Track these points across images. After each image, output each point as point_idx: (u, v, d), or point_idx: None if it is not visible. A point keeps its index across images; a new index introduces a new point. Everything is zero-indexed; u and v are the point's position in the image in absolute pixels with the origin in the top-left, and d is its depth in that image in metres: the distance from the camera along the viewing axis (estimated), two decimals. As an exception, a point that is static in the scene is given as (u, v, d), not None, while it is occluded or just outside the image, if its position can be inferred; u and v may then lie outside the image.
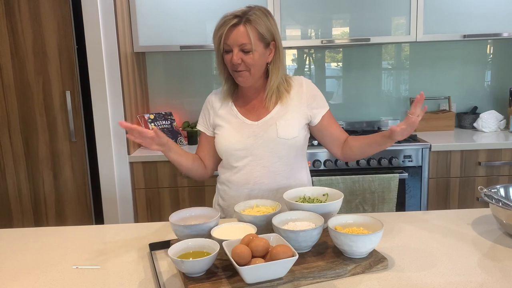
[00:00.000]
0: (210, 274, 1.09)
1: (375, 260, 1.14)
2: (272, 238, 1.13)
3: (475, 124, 3.01)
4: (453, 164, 2.69)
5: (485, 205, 2.67)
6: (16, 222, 2.73)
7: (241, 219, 1.29)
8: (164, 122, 2.89)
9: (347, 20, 2.80)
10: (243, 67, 1.48)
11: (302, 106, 1.58)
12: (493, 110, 3.00)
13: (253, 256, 1.05)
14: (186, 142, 2.91)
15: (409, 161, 2.67)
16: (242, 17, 1.44)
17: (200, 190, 2.69)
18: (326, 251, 1.20)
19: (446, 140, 2.74)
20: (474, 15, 2.76)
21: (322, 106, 1.61)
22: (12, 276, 1.19)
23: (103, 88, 2.53)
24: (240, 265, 1.01)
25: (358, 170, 2.65)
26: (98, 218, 2.75)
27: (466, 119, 3.09)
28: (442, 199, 2.72)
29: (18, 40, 2.54)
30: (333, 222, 1.20)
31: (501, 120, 2.97)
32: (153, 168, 2.67)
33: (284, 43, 2.76)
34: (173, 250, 1.11)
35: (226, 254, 1.09)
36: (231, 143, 1.55)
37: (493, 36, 2.81)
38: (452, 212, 1.53)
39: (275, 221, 1.22)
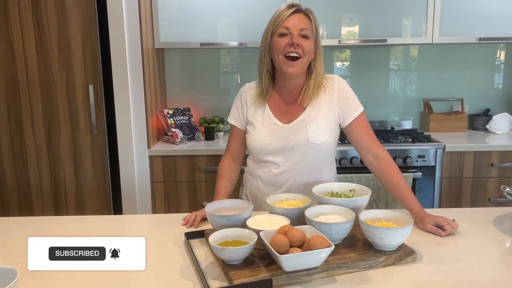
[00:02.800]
0: (248, 262, 1.15)
1: (404, 253, 1.20)
2: (306, 230, 1.19)
3: (487, 126, 3.06)
4: (466, 164, 2.74)
5: (498, 205, 2.73)
6: (37, 212, 2.79)
7: (273, 212, 1.34)
8: (182, 117, 2.94)
9: (363, 20, 2.84)
10: (300, 51, 1.49)
11: (333, 108, 1.60)
12: (506, 113, 3.05)
13: (290, 246, 1.11)
14: (204, 138, 2.96)
15: (423, 160, 2.72)
16: (302, 9, 1.53)
17: (217, 185, 2.75)
18: (356, 244, 1.25)
19: (459, 141, 2.79)
20: (489, 18, 2.80)
21: (353, 109, 1.60)
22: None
23: (126, 83, 2.58)
24: (279, 253, 1.07)
25: (362, 168, 2.70)
26: (116, 210, 2.81)
27: (478, 121, 3.14)
28: (454, 199, 2.77)
29: (44, 34, 2.59)
30: (363, 216, 1.26)
31: (514, 123, 3.02)
32: (171, 162, 2.73)
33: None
34: (212, 238, 1.16)
35: (261, 244, 1.15)
36: (263, 144, 1.60)
37: (506, 40, 2.85)
38: (473, 210, 1.59)
39: (308, 214, 1.28)
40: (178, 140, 2.81)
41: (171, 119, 2.89)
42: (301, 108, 1.61)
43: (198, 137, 2.92)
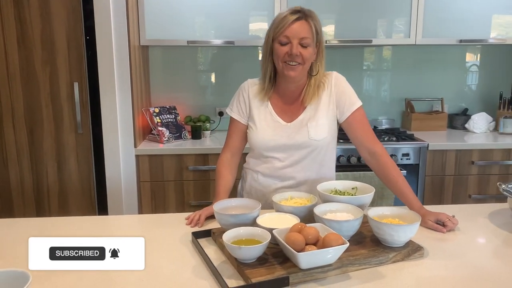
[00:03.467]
0: (261, 260, 1.15)
1: (412, 249, 1.23)
2: (318, 228, 1.20)
3: (466, 125, 3.16)
4: (448, 162, 2.82)
5: (478, 201, 2.83)
6: (17, 213, 2.70)
7: (280, 210, 1.35)
8: (168, 116, 2.91)
9: (349, 21, 2.88)
10: (299, 60, 1.51)
11: (331, 104, 1.62)
12: (484, 112, 3.16)
13: (305, 244, 1.12)
14: (190, 137, 2.93)
15: (407, 159, 2.79)
16: (303, 13, 1.51)
17: (205, 184, 2.73)
18: (364, 240, 1.28)
19: (440, 140, 2.87)
20: (468, 21, 2.89)
21: (350, 104, 1.61)
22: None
23: (112, 80, 2.53)
24: (296, 251, 1.07)
25: (359, 166, 2.74)
26: (101, 210, 2.75)
27: (457, 120, 3.24)
28: (436, 196, 2.85)
29: (26, 29, 2.51)
30: (371, 213, 1.28)
31: (491, 122, 3.13)
32: (158, 161, 2.69)
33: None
34: (226, 237, 1.16)
35: (272, 242, 1.15)
36: (265, 141, 1.61)
37: (484, 42, 2.95)
38: (467, 207, 1.64)
39: (317, 212, 1.29)
40: (165, 139, 2.78)
41: (157, 117, 2.85)
42: (302, 107, 1.63)
43: (184, 136, 2.89)
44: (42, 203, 2.70)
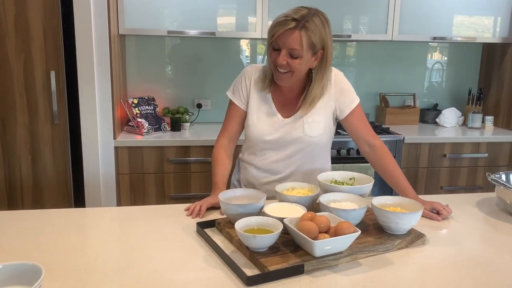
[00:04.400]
0: (273, 249, 1.16)
1: (415, 236, 1.27)
2: (328, 216, 1.22)
3: (437, 120, 3.28)
4: (421, 155, 2.93)
5: (449, 192, 2.96)
6: (-13, 208, 2.57)
7: (285, 200, 1.36)
8: (147, 107, 2.85)
9: (329, 17, 2.91)
10: (286, 69, 1.48)
11: (330, 101, 1.62)
12: (454, 107, 3.29)
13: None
14: (170, 129, 2.89)
15: (384, 152, 2.86)
16: (300, 22, 1.43)
17: (186, 177, 2.70)
18: (368, 229, 1.31)
19: (413, 134, 2.97)
20: (442, 19, 3.01)
21: (349, 101, 1.62)
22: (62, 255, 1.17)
23: (91, 70, 2.45)
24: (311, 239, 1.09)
25: (339, 159, 2.80)
26: (78, 205, 2.67)
27: (429, 115, 3.36)
28: (411, 187, 2.95)
29: (-2, 14, 2.39)
30: (376, 202, 1.31)
31: (460, 117, 3.27)
32: (138, 153, 2.64)
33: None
34: (238, 226, 1.16)
35: (282, 232, 1.16)
36: (261, 134, 1.61)
37: (456, 40, 3.06)
38: (455, 197, 1.71)
39: (323, 201, 1.31)
40: (144, 131, 2.73)
41: (136, 108, 2.79)
42: (296, 103, 1.64)
43: (164, 127, 2.85)
44: (14, 198, 2.59)
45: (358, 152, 2.81)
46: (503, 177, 1.59)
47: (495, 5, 3.05)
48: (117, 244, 1.25)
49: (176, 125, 2.89)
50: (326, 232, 1.15)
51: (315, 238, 1.11)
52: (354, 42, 3.32)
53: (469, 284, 1.06)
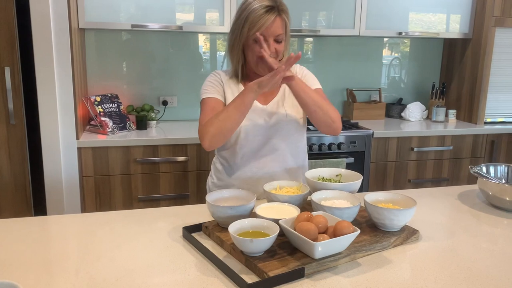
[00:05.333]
0: (270, 252, 1.10)
1: (409, 232, 1.25)
2: (320, 214, 1.17)
3: (402, 114, 3.34)
4: (390, 149, 2.96)
5: (416, 185, 3.01)
6: None
7: (275, 199, 1.30)
8: (111, 105, 2.71)
9: (296, 12, 2.89)
10: (274, 56, 1.50)
11: None
12: (418, 102, 3.36)
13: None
14: (135, 127, 2.76)
15: (353, 146, 2.88)
16: (278, 7, 1.46)
17: (155, 177, 2.59)
18: (361, 226, 1.27)
19: (380, 128, 3.00)
20: (407, 15, 3.05)
21: (312, 83, 1.64)
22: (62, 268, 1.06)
23: (51, 66, 2.29)
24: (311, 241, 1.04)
25: (310, 155, 2.78)
26: (38, 211, 2.50)
27: (394, 109, 3.41)
28: (380, 181, 2.99)
29: None
30: (369, 199, 1.28)
31: (424, 111, 3.34)
32: (103, 154, 2.50)
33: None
34: (232, 230, 1.09)
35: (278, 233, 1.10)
36: (243, 124, 1.55)
37: (420, 35, 3.12)
38: (436, 190, 1.72)
39: (316, 199, 1.26)
40: (108, 130, 2.59)
41: (99, 106, 2.64)
42: (275, 90, 1.62)
43: (129, 126, 2.72)
44: (-34, 204, 2.39)
45: (330, 147, 2.80)
46: (484, 169, 1.61)
47: (457, 2, 3.12)
48: (95, 255, 1.15)
49: (141, 124, 2.76)
50: (324, 232, 1.10)
51: (315, 239, 1.06)
52: (321, 38, 3.30)
53: (473, 278, 1.04)
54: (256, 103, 1.58)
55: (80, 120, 2.53)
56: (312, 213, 1.17)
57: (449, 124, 3.19)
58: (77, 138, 2.44)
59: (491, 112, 3.27)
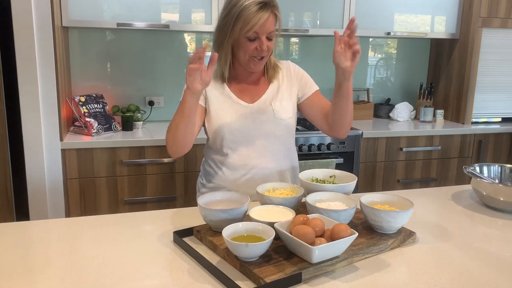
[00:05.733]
0: (265, 257, 1.06)
1: (406, 234, 1.22)
2: (316, 217, 1.14)
3: (390, 114, 3.33)
4: (379, 149, 2.95)
5: (406, 185, 3.01)
6: None
7: (269, 202, 1.27)
8: (96, 105, 2.64)
9: (286, 12, 2.86)
10: (265, 54, 1.47)
11: (292, 87, 1.62)
12: (406, 102, 3.36)
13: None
14: (121, 128, 2.70)
15: (343, 147, 2.86)
16: (268, 3, 1.41)
17: (141, 179, 2.53)
18: (357, 229, 1.24)
19: (368, 128, 2.98)
20: (395, 15, 3.05)
21: (311, 83, 1.64)
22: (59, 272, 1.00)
23: (33, 66, 2.22)
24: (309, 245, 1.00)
25: (299, 155, 2.74)
26: (20, 215, 2.42)
27: (382, 109, 3.40)
28: (369, 181, 2.97)
29: None
30: (365, 200, 1.25)
31: (412, 111, 3.34)
32: (88, 155, 2.43)
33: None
34: (225, 234, 1.05)
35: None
36: (228, 123, 1.51)
37: (407, 35, 3.11)
38: (428, 190, 1.70)
39: (312, 202, 1.23)
40: (93, 131, 2.52)
41: (84, 107, 2.57)
42: (262, 88, 1.59)
43: (115, 127, 2.65)
44: None
45: (319, 148, 2.78)
46: (477, 169, 1.60)
47: (443, 2, 3.13)
48: (80, 262, 1.09)
49: (127, 124, 2.70)
50: (321, 235, 1.07)
51: (312, 243, 1.02)
52: (308, 38, 3.28)
53: (473, 281, 1.02)
54: (240, 102, 1.54)
55: (64, 121, 2.45)
56: (308, 215, 1.13)
57: (437, 124, 3.20)
58: (61, 140, 2.37)
59: (478, 112, 3.29)
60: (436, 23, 3.16)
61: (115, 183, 2.51)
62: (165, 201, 2.59)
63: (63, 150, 2.38)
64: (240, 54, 1.48)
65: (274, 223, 1.09)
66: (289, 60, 1.69)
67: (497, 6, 3.08)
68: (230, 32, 1.44)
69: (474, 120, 3.27)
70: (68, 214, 2.45)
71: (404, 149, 2.98)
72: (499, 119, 3.37)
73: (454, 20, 3.18)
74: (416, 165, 3.05)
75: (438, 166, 3.10)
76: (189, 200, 2.62)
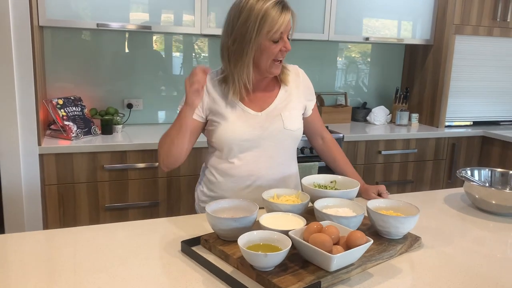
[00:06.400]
0: (281, 266, 1.04)
1: (412, 240, 1.24)
2: (330, 225, 1.14)
3: (367, 118, 3.39)
4: (359, 153, 3.00)
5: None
6: None
7: (276, 209, 1.25)
8: (74, 108, 2.54)
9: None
10: (285, 54, 1.46)
11: (300, 97, 1.60)
12: (382, 106, 3.43)
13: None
14: (100, 132, 2.61)
15: (325, 150, 2.88)
16: (285, 2, 1.40)
17: (123, 185, 2.46)
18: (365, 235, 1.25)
19: (347, 132, 3.03)
20: (372, 21, 3.11)
21: (313, 98, 1.67)
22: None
23: (10, 66, 2.11)
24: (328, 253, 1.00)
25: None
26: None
27: (359, 113, 3.46)
28: (349, 184, 3.01)
29: None
30: (372, 206, 1.26)
31: (388, 114, 3.42)
32: (68, 160, 2.34)
33: (211, 31, 2.70)
34: (241, 243, 1.03)
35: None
36: (237, 134, 1.47)
37: (386, 41, 3.18)
38: (421, 194, 1.74)
39: (320, 208, 1.23)
40: (72, 135, 2.43)
41: (62, 110, 2.47)
42: (271, 96, 1.56)
43: (94, 131, 2.57)
44: None
45: (302, 151, 2.79)
46: (469, 172, 1.64)
47: (418, 9, 3.22)
48: (88, 278, 1.04)
49: (107, 128, 2.62)
50: (337, 243, 1.07)
51: (330, 251, 1.02)
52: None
53: (484, 285, 1.04)
54: (248, 111, 1.51)
55: (41, 125, 2.35)
56: (321, 222, 1.13)
57: (412, 128, 3.28)
58: (39, 144, 2.27)
59: (451, 116, 3.40)
60: (411, 29, 3.24)
61: (95, 189, 2.42)
62: (148, 207, 2.53)
63: (41, 155, 2.28)
64: (262, 60, 1.43)
65: (288, 231, 1.08)
66: (297, 65, 1.67)
67: (469, 14, 3.20)
68: (254, 38, 1.37)
69: (447, 123, 3.38)
70: (45, 221, 2.35)
71: (383, 152, 3.04)
72: (471, 123, 3.50)
73: (429, 26, 3.28)
74: (394, 168, 3.12)
75: (415, 168, 3.18)
76: (172, 205, 2.57)
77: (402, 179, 3.15)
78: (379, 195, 1.57)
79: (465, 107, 3.44)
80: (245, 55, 1.41)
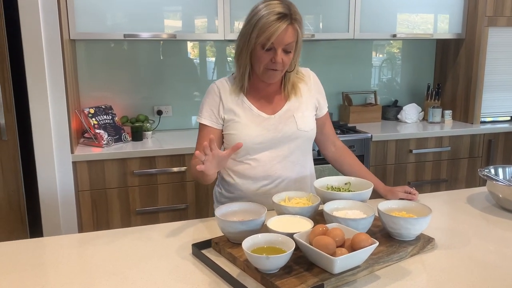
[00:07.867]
0: (285, 268, 1.05)
1: (425, 241, 1.22)
2: (336, 227, 1.14)
3: (398, 116, 3.32)
4: (389, 152, 2.94)
5: (417, 188, 2.98)
6: None
7: (286, 212, 1.26)
8: (105, 117, 2.65)
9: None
10: (280, 67, 1.44)
11: (312, 99, 1.61)
12: (414, 103, 3.35)
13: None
14: (131, 139, 2.71)
15: (353, 150, 2.84)
16: (291, 16, 1.39)
17: (153, 189, 2.54)
18: (375, 236, 1.24)
19: (378, 131, 2.98)
20: (399, 17, 3.05)
21: (325, 102, 1.67)
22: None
23: (43, 80, 2.23)
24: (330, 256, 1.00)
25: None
26: (33, 227, 2.42)
27: (390, 111, 3.39)
28: (380, 185, 2.96)
29: None
30: (383, 208, 1.25)
31: (420, 112, 3.33)
32: (99, 167, 2.44)
33: (234, 36, 2.73)
34: (245, 246, 1.05)
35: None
36: (252, 137, 1.50)
37: (413, 36, 3.11)
38: (443, 194, 1.69)
39: (329, 211, 1.23)
40: (104, 143, 2.53)
41: (93, 119, 2.58)
42: (283, 98, 1.58)
43: (125, 138, 2.66)
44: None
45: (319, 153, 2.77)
46: (492, 171, 1.59)
47: (448, 2, 3.12)
48: (98, 280, 1.10)
49: (137, 135, 2.71)
50: (342, 245, 1.07)
51: (333, 254, 1.02)
52: (312, 42, 3.28)
53: (501, 284, 1.01)
54: (261, 114, 1.53)
55: (74, 134, 2.46)
56: (327, 225, 1.13)
57: (445, 125, 3.19)
58: (72, 152, 2.38)
59: (487, 111, 3.27)
60: (441, 23, 3.15)
61: (126, 194, 2.51)
62: (177, 210, 2.60)
63: (74, 163, 2.39)
64: (255, 65, 1.47)
65: (293, 233, 1.09)
66: (308, 68, 1.68)
67: (503, 5, 3.07)
68: (248, 40, 1.42)
69: (482, 119, 3.25)
70: (80, 226, 2.46)
71: (414, 151, 2.97)
72: (508, 118, 3.35)
73: (460, 20, 3.18)
74: (426, 167, 3.04)
75: (448, 167, 3.09)
76: (201, 208, 2.62)
77: (435, 178, 3.07)
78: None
79: (502, 101, 3.30)
80: (242, 55, 1.47)
